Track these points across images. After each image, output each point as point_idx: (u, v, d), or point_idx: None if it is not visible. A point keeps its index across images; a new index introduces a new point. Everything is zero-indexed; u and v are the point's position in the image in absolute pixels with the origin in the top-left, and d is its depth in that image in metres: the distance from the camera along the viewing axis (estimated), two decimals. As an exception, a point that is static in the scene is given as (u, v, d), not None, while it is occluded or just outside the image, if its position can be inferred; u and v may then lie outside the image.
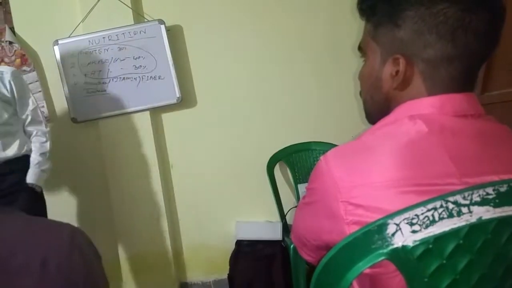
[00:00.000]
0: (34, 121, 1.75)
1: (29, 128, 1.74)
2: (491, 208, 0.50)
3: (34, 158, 1.70)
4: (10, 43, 2.14)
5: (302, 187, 2.20)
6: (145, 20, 2.14)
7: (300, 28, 2.22)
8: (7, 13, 2.18)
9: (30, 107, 1.74)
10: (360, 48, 0.72)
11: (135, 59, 2.12)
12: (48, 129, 1.79)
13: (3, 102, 1.63)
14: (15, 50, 2.14)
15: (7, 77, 1.65)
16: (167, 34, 2.11)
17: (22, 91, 1.71)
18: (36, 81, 2.17)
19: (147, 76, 2.13)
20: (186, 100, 2.20)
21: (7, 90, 1.64)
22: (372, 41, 0.67)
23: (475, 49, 0.59)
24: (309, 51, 2.24)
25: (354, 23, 2.04)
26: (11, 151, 1.64)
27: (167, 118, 2.27)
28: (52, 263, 0.48)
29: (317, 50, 2.24)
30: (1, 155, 1.61)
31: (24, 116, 1.72)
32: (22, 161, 1.68)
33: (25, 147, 1.70)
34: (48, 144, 1.76)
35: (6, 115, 1.63)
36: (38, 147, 1.72)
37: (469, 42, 0.58)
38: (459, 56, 0.59)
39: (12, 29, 2.16)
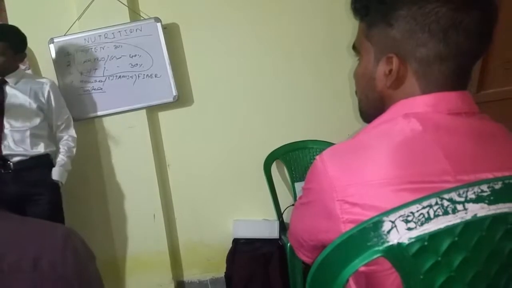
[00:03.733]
0: (67, 128, 2.00)
1: (61, 134, 1.99)
2: (485, 205, 0.50)
3: (62, 159, 1.94)
4: (5, 41, 2.12)
5: (299, 186, 2.20)
6: (141, 18, 2.13)
7: (297, 27, 2.22)
8: (2, 10, 2.17)
9: (65, 115, 2.00)
10: (354, 48, 0.72)
11: (131, 57, 2.12)
12: (76, 136, 2.02)
13: (39, 109, 1.88)
14: (10, 48, 2.13)
15: (47, 88, 1.92)
16: (163, 32, 2.10)
17: (59, 101, 1.98)
18: (32, 79, 2.16)
19: (144, 75, 2.12)
20: (182, 98, 2.20)
21: (44, 99, 1.91)
22: (366, 41, 0.67)
23: (467, 47, 0.59)
24: (306, 50, 2.24)
25: (351, 23, 2.04)
26: (38, 149, 1.88)
27: (163, 116, 2.27)
28: (46, 262, 0.48)
29: (314, 49, 2.24)
30: (30, 152, 1.84)
31: (59, 123, 1.97)
32: (45, 158, 1.92)
33: (48, 148, 1.92)
34: (75, 150, 2.01)
35: (38, 120, 1.88)
36: (66, 150, 1.97)
37: (461, 41, 0.58)
38: (452, 55, 0.59)
39: (7, 27, 2.15)
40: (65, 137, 1.98)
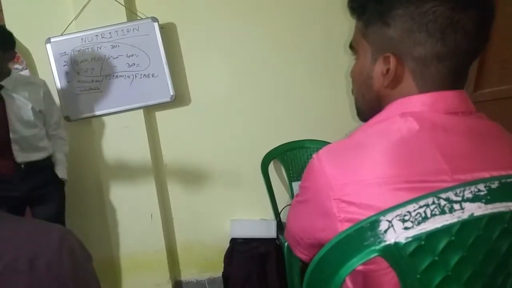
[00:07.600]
0: (59, 126, 2.02)
1: (55, 132, 1.99)
2: (482, 205, 0.50)
3: (61, 156, 1.98)
4: (2, 40, 2.12)
5: (296, 185, 2.20)
6: (138, 18, 2.12)
7: (294, 26, 2.22)
8: (-2, 10, 2.16)
9: (58, 113, 2.02)
10: (351, 47, 0.72)
11: (128, 57, 2.11)
12: (67, 132, 2.07)
13: (39, 112, 1.86)
14: (6, 48, 2.12)
15: (42, 89, 1.89)
16: (160, 32, 2.10)
17: (52, 100, 1.99)
18: (28, 79, 2.16)
19: (141, 74, 2.12)
20: (179, 98, 2.20)
21: (41, 101, 1.88)
22: (363, 40, 0.67)
23: (465, 47, 0.59)
24: (303, 49, 2.24)
25: (348, 22, 2.05)
26: (43, 153, 1.88)
27: (160, 116, 2.26)
28: (41, 262, 0.47)
29: (311, 48, 2.24)
30: (34, 157, 1.84)
31: (53, 122, 1.97)
32: (48, 158, 1.92)
33: (50, 148, 1.94)
34: (67, 146, 2.04)
35: (40, 123, 1.88)
36: (62, 149, 2.00)
37: (458, 40, 0.58)
38: (449, 54, 0.59)
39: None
40: (59, 135, 2.00)
